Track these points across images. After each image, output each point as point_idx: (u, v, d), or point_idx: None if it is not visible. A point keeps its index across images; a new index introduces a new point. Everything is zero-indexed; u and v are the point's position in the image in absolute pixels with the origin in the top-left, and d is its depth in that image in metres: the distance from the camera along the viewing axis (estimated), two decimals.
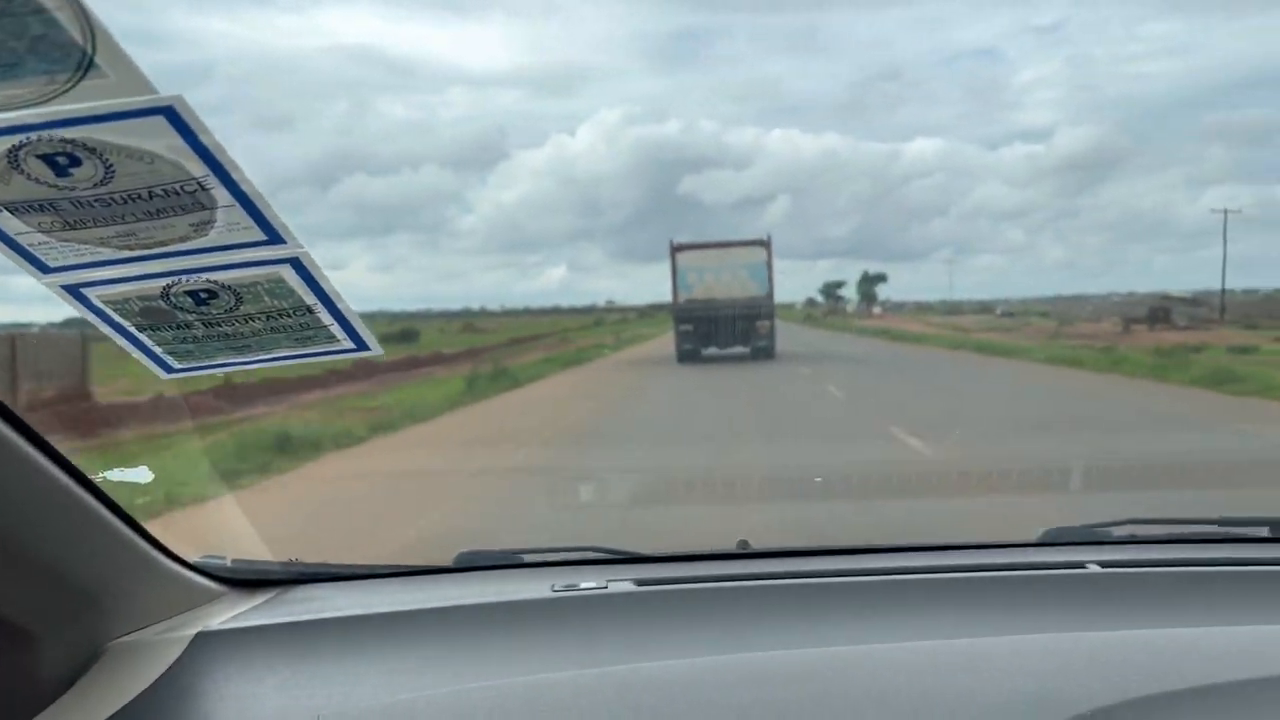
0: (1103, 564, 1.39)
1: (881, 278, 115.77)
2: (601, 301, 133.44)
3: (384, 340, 0.95)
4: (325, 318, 0.90)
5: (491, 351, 37.07)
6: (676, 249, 26.58)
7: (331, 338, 0.93)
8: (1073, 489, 5.11)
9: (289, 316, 0.89)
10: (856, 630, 1.20)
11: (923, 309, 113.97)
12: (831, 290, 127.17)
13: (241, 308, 0.87)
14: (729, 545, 1.63)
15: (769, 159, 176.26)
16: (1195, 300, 53.32)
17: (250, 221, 0.78)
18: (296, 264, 0.84)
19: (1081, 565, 1.38)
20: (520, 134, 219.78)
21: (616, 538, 1.70)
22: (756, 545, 1.62)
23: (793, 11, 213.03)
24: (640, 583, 1.38)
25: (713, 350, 26.50)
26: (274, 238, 0.80)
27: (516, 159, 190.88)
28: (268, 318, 0.89)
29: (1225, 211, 52.35)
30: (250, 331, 0.90)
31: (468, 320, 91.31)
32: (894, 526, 4.96)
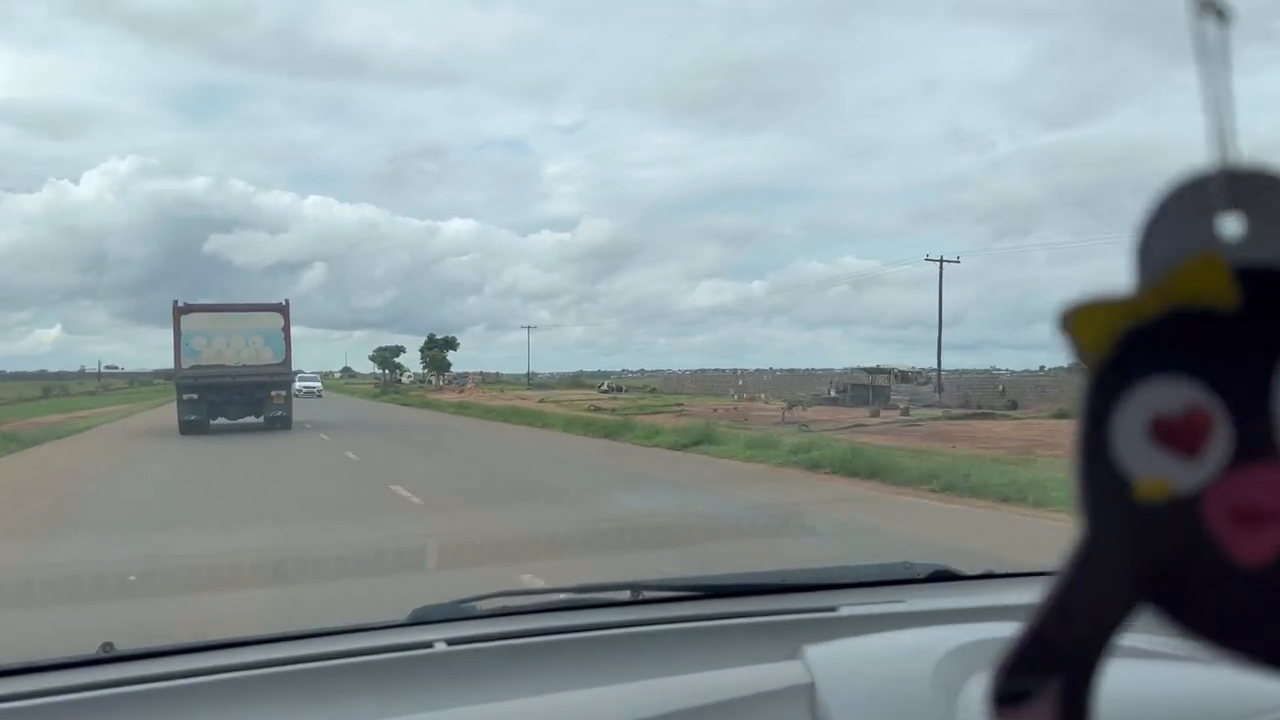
0: (450, 641, 1.41)
1: (451, 343, 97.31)
2: (98, 366, 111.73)
3: None
4: None
5: None
6: (182, 310, 25.11)
7: None
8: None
9: None
10: None
11: (489, 381, 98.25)
12: (387, 358, 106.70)
13: None
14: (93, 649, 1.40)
15: (305, 225, 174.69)
16: (910, 376, 42.44)
17: None
18: None
19: (430, 645, 1.39)
20: (9, 175, 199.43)
21: None
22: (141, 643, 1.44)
23: (325, 79, 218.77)
24: None
25: (222, 421, 25.12)
26: None
27: (5, 203, 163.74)
28: None
29: (941, 260, 42.68)
30: None
31: None
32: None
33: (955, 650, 1.24)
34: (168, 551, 7.83)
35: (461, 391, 72.02)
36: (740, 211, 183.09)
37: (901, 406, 34.75)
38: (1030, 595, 1.48)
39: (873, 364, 44.56)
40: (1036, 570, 1.90)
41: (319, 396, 50.39)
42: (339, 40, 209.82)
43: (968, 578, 1.85)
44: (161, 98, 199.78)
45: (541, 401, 47.31)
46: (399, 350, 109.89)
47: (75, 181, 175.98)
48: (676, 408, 38.48)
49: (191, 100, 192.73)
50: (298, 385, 39.25)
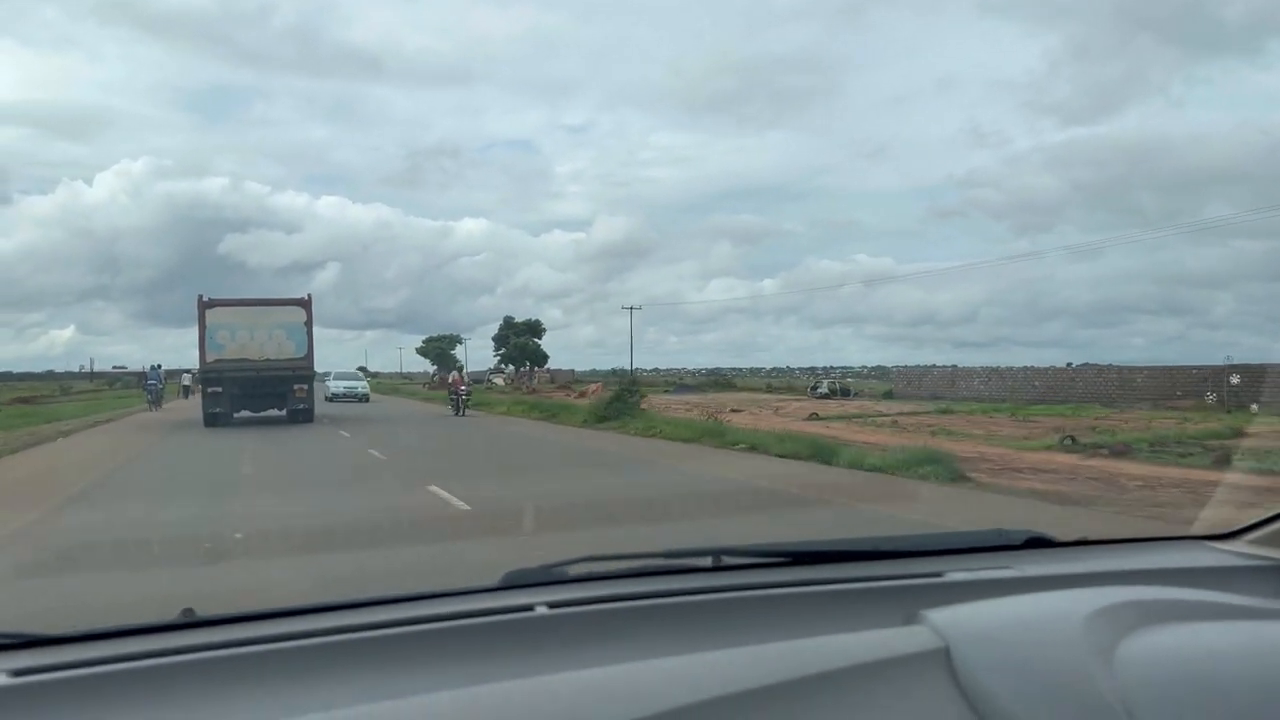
0: (551, 604, 1.38)
1: (537, 329, 72.14)
2: (90, 365, 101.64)
3: None
4: None
5: None
6: (206, 305, 24.95)
7: None
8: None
9: None
10: (301, 702, 1.12)
11: (560, 378, 73.74)
12: (444, 350, 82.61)
13: None
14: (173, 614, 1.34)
15: (319, 225, 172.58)
16: None
17: None
18: None
19: (531, 608, 1.37)
20: (23, 177, 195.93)
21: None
22: (228, 608, 1.35)
23: (339, 79, 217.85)
24: (19, 673, 1.13)
25: (245, 413, 25.45)
26: None
27: (19, 205, 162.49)
28: None
29: None
30: None
31: None
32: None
33: (1103, 611, 1.25)
34: None
35: (581, 395, 47.52)
36: (753, 210, 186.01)
37: None
38: (1127, 560, 1.65)
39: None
40: (1131, 536, 1.89)
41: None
42: (354, 40, 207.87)
43: (1063, 544, 1.81)
44: (175, 99, 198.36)
45: (811, 417, 22.85)
46: (455, 340, 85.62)
47: (89, 183, 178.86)
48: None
49: (205, 101, 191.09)
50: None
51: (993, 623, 1.26)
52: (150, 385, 38.02)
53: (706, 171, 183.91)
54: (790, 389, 54.84)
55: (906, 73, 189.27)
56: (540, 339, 71.25)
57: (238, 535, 7.75)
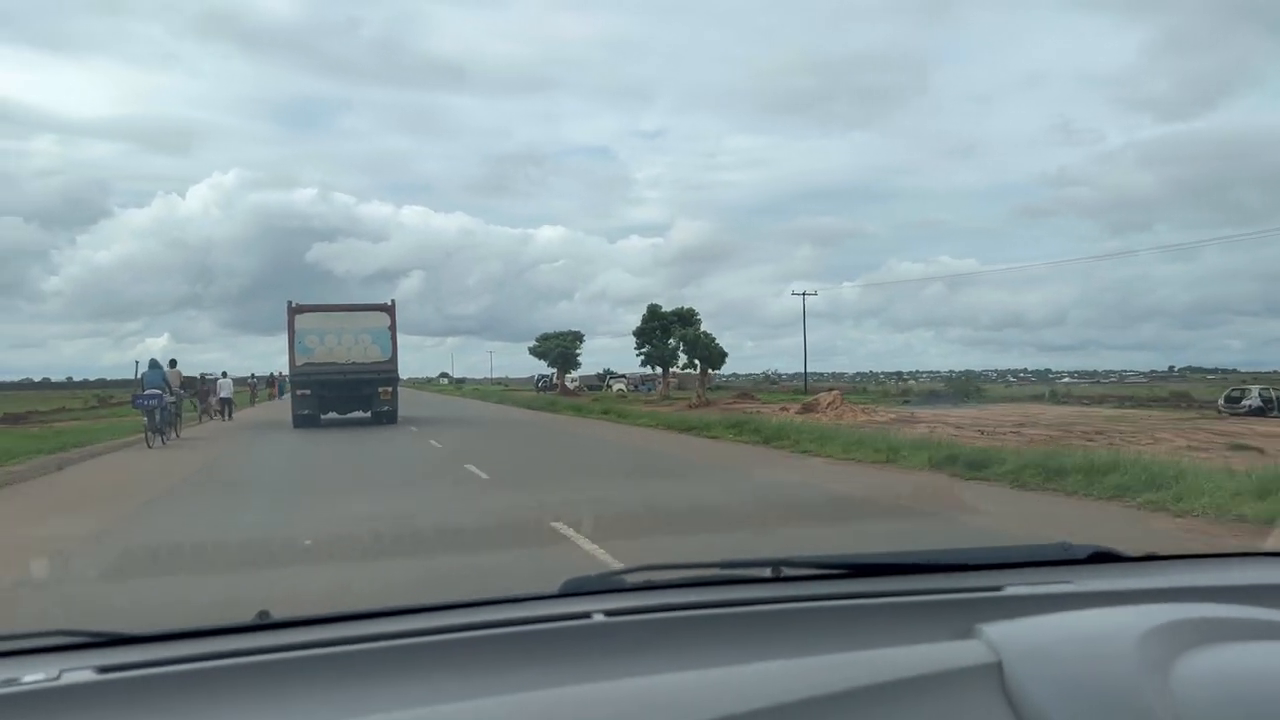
0: (608, 612, 1.41)
1: (689, 318, 56.30)
2: (136, 371, 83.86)
3: None
4: None
5: None
6: (296, 310, 25.93)
7: None
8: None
9: None
10: (368, 703, 1.17)
11: (688, 383, 57.60)
12: (567, 348, 67.72)
13: None
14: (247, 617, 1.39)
15: (404, 233, 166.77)
16: None
17: None
18: None
19: (588, 615, 1.39)
20: (123, 192, 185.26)
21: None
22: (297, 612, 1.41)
23: (417, 89, 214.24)
24: (105, 669, 1.19)
25: (332, 415, 26.44)
26: None
27: (119, 218, 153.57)
28: None
29: None
30: None
31: None
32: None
33: (1161, 628, 1.24)
34: None
35: (808, 409, 31.71)
36: (832, 212, 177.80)
37: None
38: (1197, 576, 1.61)
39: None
40: (1201, 552, 1.84)
41: None
42: (437, 50, 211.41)
43: (1130, 559, 1.76)
44: (263, 111, 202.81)
45: None
46: (578, 338, 70.28)
47: (182, 195, 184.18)
48: None
49: (294, 113, 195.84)
50: None
51: (1048, 638, 1.25)
52: (143, 400, 20.08)
53: (784, 173, 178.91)
54: (1062, 396, 37.97)
55: (993, 69, 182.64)
56: (699, 327, 54.99)
57: None
